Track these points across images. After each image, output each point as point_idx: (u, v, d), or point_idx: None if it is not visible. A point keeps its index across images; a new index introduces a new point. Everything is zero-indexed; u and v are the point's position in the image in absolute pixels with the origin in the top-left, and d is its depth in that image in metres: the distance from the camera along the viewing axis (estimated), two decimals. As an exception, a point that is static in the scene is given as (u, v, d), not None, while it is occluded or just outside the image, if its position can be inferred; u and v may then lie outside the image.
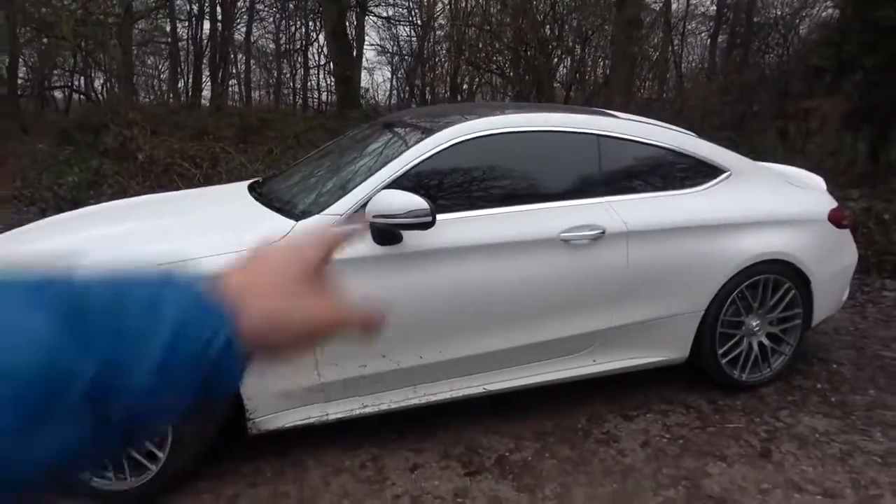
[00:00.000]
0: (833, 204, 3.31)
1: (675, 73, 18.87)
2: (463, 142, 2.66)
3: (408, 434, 2.71)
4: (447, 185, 2.67)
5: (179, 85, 21.29)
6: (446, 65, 19.88)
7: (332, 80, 18.42)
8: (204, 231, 2.46)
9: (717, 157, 3.12)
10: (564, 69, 17.64)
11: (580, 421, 2.86)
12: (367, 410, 2.55)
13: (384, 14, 20.36)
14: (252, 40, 22.32)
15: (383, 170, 2.55)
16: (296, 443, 2.59)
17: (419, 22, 20.55)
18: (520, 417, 2.86)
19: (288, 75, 23.88)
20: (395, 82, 23.26)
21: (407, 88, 21.37)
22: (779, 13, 18.25)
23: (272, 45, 23.49)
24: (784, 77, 15.88)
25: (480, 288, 2.58)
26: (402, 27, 21.29)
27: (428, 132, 2.70)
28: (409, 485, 2.41)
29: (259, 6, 20.67)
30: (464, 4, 18.03)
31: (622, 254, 2.78)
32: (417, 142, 2.65)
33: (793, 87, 15.05)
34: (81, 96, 21.52)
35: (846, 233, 3.37)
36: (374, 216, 2.38)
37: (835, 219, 3.25)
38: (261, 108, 19.64)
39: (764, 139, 14.26)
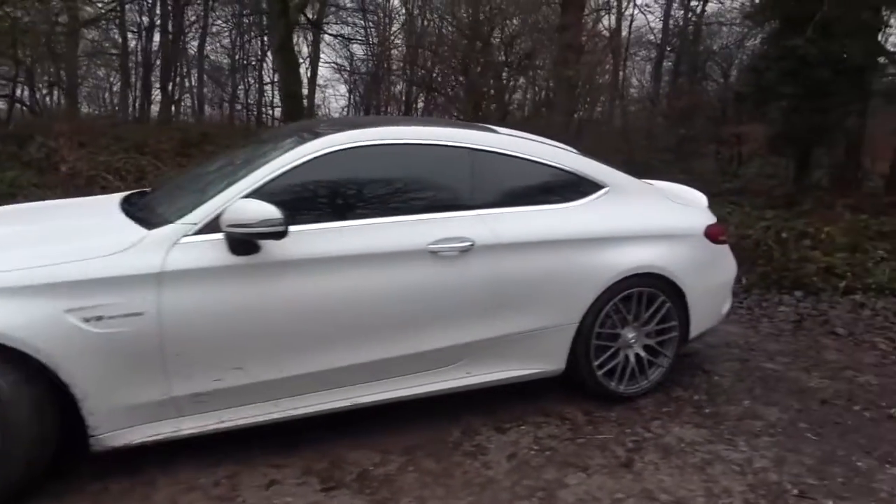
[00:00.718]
0: (710, 220, 3.42)
1: (620, 97, 19.36)
2: (333, 153, 2.65)
3: (273, 449, 2.66)
4: (315, 196, 2.66)
5: (130, 98, 20.89)
6: (400, 85, 20.06)
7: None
8: (47, 240, 2.39)
9: (596, 174, 3.19)
10: (516, 91, 18.00)
11: (453, 434, 2.86)
12: (224, 425, 2.49)
13: (341, 32, 20.41)
14: (205, 54, 22.09)
15: (246, 179, 2.52)
16: (153, 459, 2.52)
17: (374, 41, 20.71)
18: (393, 431, 2.84)
19: (242, 91, 23.67)
20: (352, 100, 23.35)
21: (363, 107, 21.46)
22: (724, 42, 19.01)
23: (227, 60, 23.31)
24: (721, 104, 16.51)
25: (345, 299, 2.56)
26: (358, 46, 21.43)
27: (300, 142, 2.69)
28: (260, 502, 2.35)
29: (214, 20, 20.50)
30: (419, 24, 18.25)
31: (492, 266, 2.81)
32: (286, 151, 2.64)
33: (729, 113, 15.66)
34: (24, 107, 20.92)
35: (724, 248, 3.48)
36: (227, 225, 2.35)
37: (711, 234, 3.36)
38: (210, 124, 19.40)
39: (702, 162, 14.75)
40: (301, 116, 15.74)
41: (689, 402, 3.24)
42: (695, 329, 3.31)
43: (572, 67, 13.35)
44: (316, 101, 20.68)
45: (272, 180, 2.54)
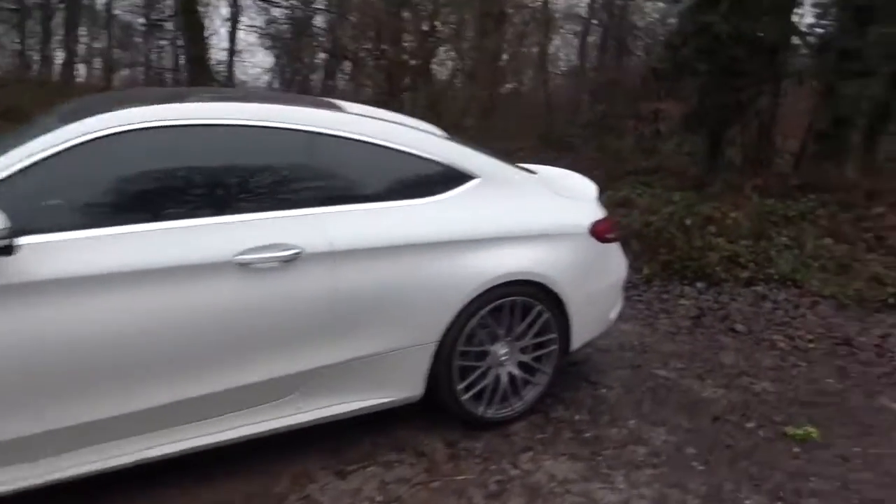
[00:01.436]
0: (597, 215, 3.00)
1: (545, 71, 19.04)
2: (103, 137, 2.04)
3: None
4: (78, 194, 2.06)
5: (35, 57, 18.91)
6: (318, 54, 18.96)
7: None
8: None
9: (463, 162, 2.70)
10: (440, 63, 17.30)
11: (281, 482, 2.35)
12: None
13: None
14: (113, 11, 20.22)
15: (-24, 173, 1.89)
16: None
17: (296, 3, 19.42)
18: (209, 481, 2.31)
19: (156, 53, 21.93)
20: (276, 68, 21.99)
21: (282, 77, 20.25)
22: (649, 19, 18.91)
23: (142, 20, 21.46)
24: (642, 80, 16.43)
25: (116, 329, 1.99)
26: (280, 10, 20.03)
27: (61, 123, 2.06)
28: None
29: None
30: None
31: (327, 279, 2.28)
32: (40, 136, 2.01)
33: (648, 89, 15.59)
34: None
35: (612, 247, 3.08)
36: (-66, 236, 1.73)
37: (598, 232, 2.94)
38: (86, 86, 17.65)
39: (623, 139, 14.62)
40: (208, 82, 14.68)
41: (569, 424, 2.85)
42: (577, 340, 2.91)
43: (491, 37, 12.85)
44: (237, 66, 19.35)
45: (13, 175, 1.92)
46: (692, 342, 3.88)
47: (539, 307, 2.73)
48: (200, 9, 15.01)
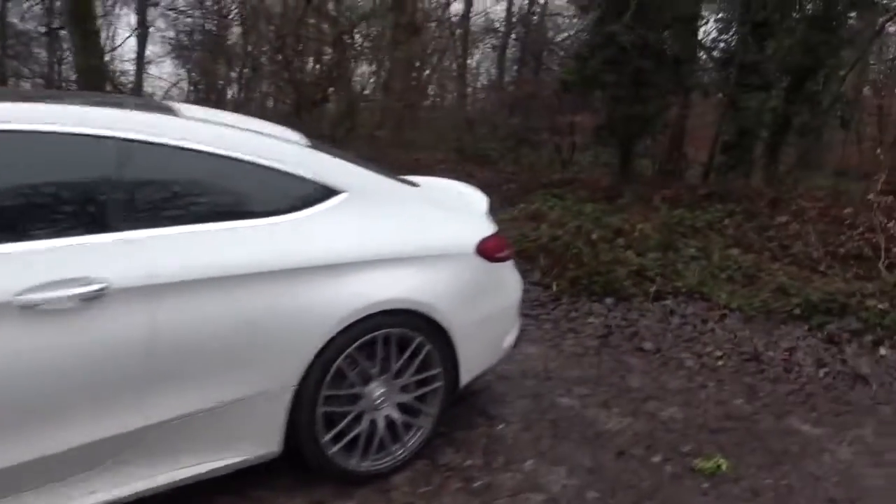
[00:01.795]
0: (486, 232, 2.69)
1: (461, 83, 19.00)
2: None
3: None
4: None
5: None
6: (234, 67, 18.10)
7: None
8: None
9: (328, 174, 2.33)
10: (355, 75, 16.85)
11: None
12: None
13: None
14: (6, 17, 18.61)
15: None
16: None
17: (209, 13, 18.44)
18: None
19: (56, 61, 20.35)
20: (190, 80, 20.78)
21: (202, 87, 19.19)
22: (565, 33, 19.17)
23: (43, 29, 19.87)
24: (557, 93, 16.63)
25: None
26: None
27: None
28: None
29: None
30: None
31: (144, 318, 1.85)
32: None
33: (564, 102, 15.76)
34: None
35: (504, 266, 2.77)
36: None
37: (487, 251, 2.63)
38: None
39: (538, 151, 14.64)
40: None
41: (458, 471, 2.50)
42: (466, 374, 2.58)
43: (404, 47, 12.59)
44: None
45: None
46: (599, 364, 3.63)
47: (419, 339, 2.38)
48: (100, 16, 14.06)
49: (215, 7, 18.01)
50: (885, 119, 12.08)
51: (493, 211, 2.95)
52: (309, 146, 2.47)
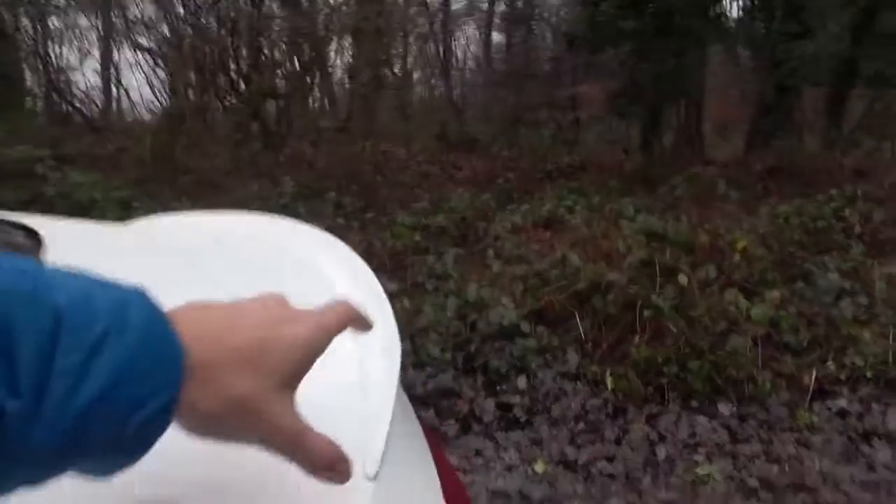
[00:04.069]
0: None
1: (444, 63, 16.70)
2: None
3: None
4: None
5: None
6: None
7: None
8: None
9: None
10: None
11: None
12: None
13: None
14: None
15: None
16: None
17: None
18: None
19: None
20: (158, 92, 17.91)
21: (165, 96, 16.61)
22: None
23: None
24: (554, 65, 14.40)
25: None
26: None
27: None
28: None
29: None
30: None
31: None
32: None
33: (563, 75, 13.49)
34: None
35: None
36: None
37: None
38: None
39: (537, 132, 12.30)
40: (17, 104, 11.33)
41: None
42: None
43: (369, 17, 10.28)
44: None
45: None
46: None
47: None
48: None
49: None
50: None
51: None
52: None
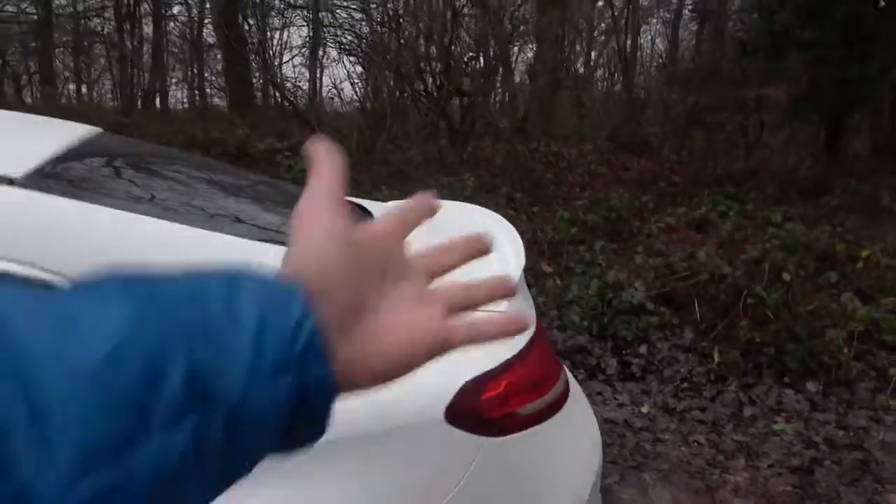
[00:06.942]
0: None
1: (623, 62, 16.84)
2: None
3: None
4: None
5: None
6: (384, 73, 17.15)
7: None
8: None
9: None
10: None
11: None
12: None
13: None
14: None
15: None
16: None
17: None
18: None
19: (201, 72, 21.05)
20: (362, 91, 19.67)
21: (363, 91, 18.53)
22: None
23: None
24: (737, 61, 13.94)
25: None
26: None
27: None
28: None
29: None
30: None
31: None
32: None
33: (751, 74, 13.05)
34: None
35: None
36: None
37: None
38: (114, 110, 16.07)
39: (714, 135, 12.20)
40: (250, 106, 13.47)
41: None
42: None
43: (545, 18, 11.01)
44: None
45: None
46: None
47: None
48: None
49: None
50: None
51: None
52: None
